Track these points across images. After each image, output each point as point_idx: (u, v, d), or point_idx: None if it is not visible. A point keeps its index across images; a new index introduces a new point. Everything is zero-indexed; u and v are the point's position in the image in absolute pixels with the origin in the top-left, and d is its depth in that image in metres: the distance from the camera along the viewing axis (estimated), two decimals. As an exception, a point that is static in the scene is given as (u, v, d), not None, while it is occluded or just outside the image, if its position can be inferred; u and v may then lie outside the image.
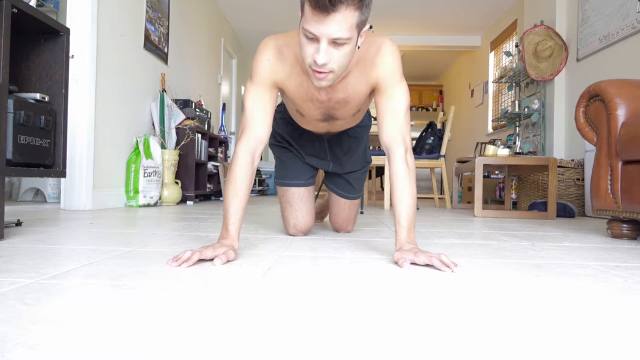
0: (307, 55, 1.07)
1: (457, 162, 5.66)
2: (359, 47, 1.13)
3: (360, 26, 1.05)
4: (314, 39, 1.03)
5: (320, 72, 1.08)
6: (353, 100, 1.32)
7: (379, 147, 4.44)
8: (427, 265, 1.04)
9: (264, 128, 1.22)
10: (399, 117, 1.22)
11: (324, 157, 1.67)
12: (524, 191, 3.88)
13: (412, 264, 1.06)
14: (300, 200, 1.64)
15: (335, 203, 1.75)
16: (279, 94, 1.32)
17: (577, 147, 3.89)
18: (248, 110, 1.23)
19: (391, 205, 1.19)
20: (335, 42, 1.02)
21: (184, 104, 4.03)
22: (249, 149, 1.20)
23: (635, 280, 0.97)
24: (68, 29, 1.65)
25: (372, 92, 1.30)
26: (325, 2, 0.95)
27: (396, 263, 1.07)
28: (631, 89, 1.83)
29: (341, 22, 0.99)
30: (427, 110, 9.67)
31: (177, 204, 3.70)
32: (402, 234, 1.13)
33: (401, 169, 1.17)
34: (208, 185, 4.44)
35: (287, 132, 1.65)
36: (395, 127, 1.21)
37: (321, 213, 2.14)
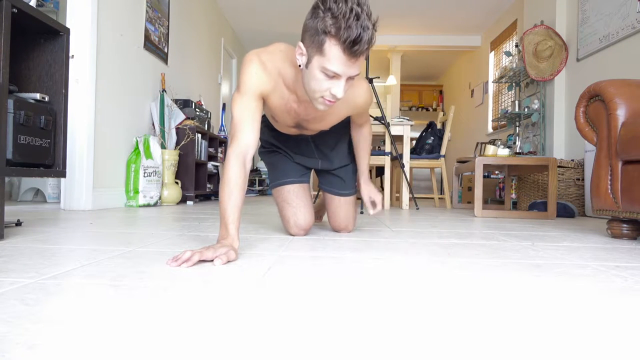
0: (322, 89, 1.18)
1: (457, 162, 5.66)
2: None
3: None
4: (333, 77, 1.15)
5: (331, 102, 1.21)
6: (328, 118, 1.48)
7: (378, 147, 4.44)
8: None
9: (252, 133, 1.27)
10: (368, 121, 1.71)
11: (312, 155, 1.72)
12: (524, 191, 3.88)
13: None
14: (296, 196, 1.65)
15: (331, 202, 1.77)
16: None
17: (577, 147, 3.89)
18: (237, 119, 1.28)
19: (355, 151, 1.74)
20: (349, 78, 1.17)
21: (184, 104, 4.03)
22: (240, 153, 1.23)
23: (635, 280, 0.97)
24: (68, 29, 1.66)
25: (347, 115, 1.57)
26: (361, 50, 1.10)
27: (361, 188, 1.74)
28: (631, 89, 1.83)
29: (360, 63, 1.15)
30: (427, 110, 9.68)
31: (177, 204, 3.70)
32: (365, 174, 1.76)
33: (368, 134, 1.71)
34: (208, 185, 4.44)
35: (273, 137, 1.71)
36: (367, 122, 1.70)
37: (319, 212, 2.14)
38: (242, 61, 1.32)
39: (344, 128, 1.71)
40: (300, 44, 1.17)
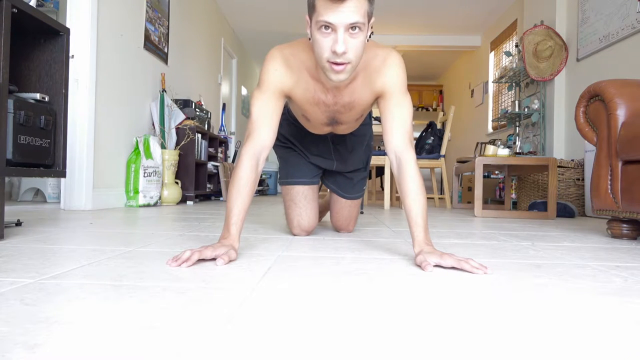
0: (324, 49, 1.09)
1: (457, 162, 5.66)
2: (368, 40, 1.17)
3: (369, 16, 1.10)
4: (330, 30, 1.07)
5: (338, 64, 1.10)
6: (358, 106, 1.36)
7: (378, 147, 4.44)
8: (452, 268, 1.02)
9: (269, 133, 1.24)
10: (407, 125, 1.25)
11: (329, 156, 1.69)
12: (524, 191, 3.88)
13: (436, 266, 1.03)
14: (304, 198, 1.64)
15: (336, 202, 1.76)
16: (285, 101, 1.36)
17: (577, 147, 3.89)
18: (254, 116, 1.25)
19: (403, 206, 1.18)
20: (351, 30, 1.06)
21: (184, 104, 4.03)
22: (254, 153, 1.21)
23: (635, 280, 0.97)
24: (68, 29, 1.65)
25: (375, 100, 1.33)
26: None
27: (419, 266, 1.04)
28: (631, 89, 1.83)
29: (355, 7, 1.04)
30: (427, 110, 9.67)
31: (177, 204, 3.70)
32: (420, 234, 1.12)
33: (415, 171, 1.19)
34: (208, 185, 4.44)
35: (291, 134, 1.67)
36: (406, 134, 1.24)
37: (322, 213, 2.14)
38: (265, 57, 1.29)
39: (362, 130, 1.67)
40: (306, 16, 1.15)
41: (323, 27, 1.06)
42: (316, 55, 1.14)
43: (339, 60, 1.09)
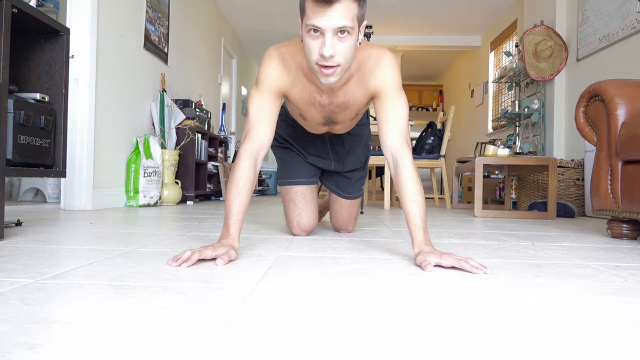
0: (313, 52, 1.10)
1: (457, 162, 5.66)
2: (360, 43, 1.17)
3: (360, 20, 1.10)
4: (319, 34, 1.07)
5: (327, 67, 1.11)
6: (352, 105, 1.36)
7: (378, 147, 4.44)
8: (452, 267, 1.02)
9: (266, 133, 1.25)
10: (402, 124, 1.25)
11: (326, 156, 1.69)
12: (524, 191, 3.88)
13: (436, 265, 1.03)
14: (303, 198, 1.64)
15: (335, 202, 1.76)
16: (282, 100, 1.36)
17: (577, 147, 3.89)
18: (252, 116, 1.25)
19: (401, 206, 1.18)
20: (339, 34, 1.07)
21: (184, 104, 4.03)
22: (252, 153, 1.21)
23: (635, 280, 0.97)
24: (68, 29, 1.65)
25: (370, 100, 1.34)
26: None
27: (419, 266, 1.04)
28: (631, 89, 1.83)
29: (343, 11, 1.04)
30: (427, 110, 9.68)
31: (177, 204, 3.70)
32: (419, 234, 1.11)
33: (411, 172, 1.18)
34: (208, 185, 4.44)
35: (289, 134, 1.67)
36: (401, 133, 1.23)
37: (322, 213, 2.14)
38: (262, 56, 1.29)
39: (360, 130, 1.67)
40: (299, 18, 1.15)
41: (312, 30, 1.07)
42: (306, 57, 1.15)
43: (327, 64, 1.10)
